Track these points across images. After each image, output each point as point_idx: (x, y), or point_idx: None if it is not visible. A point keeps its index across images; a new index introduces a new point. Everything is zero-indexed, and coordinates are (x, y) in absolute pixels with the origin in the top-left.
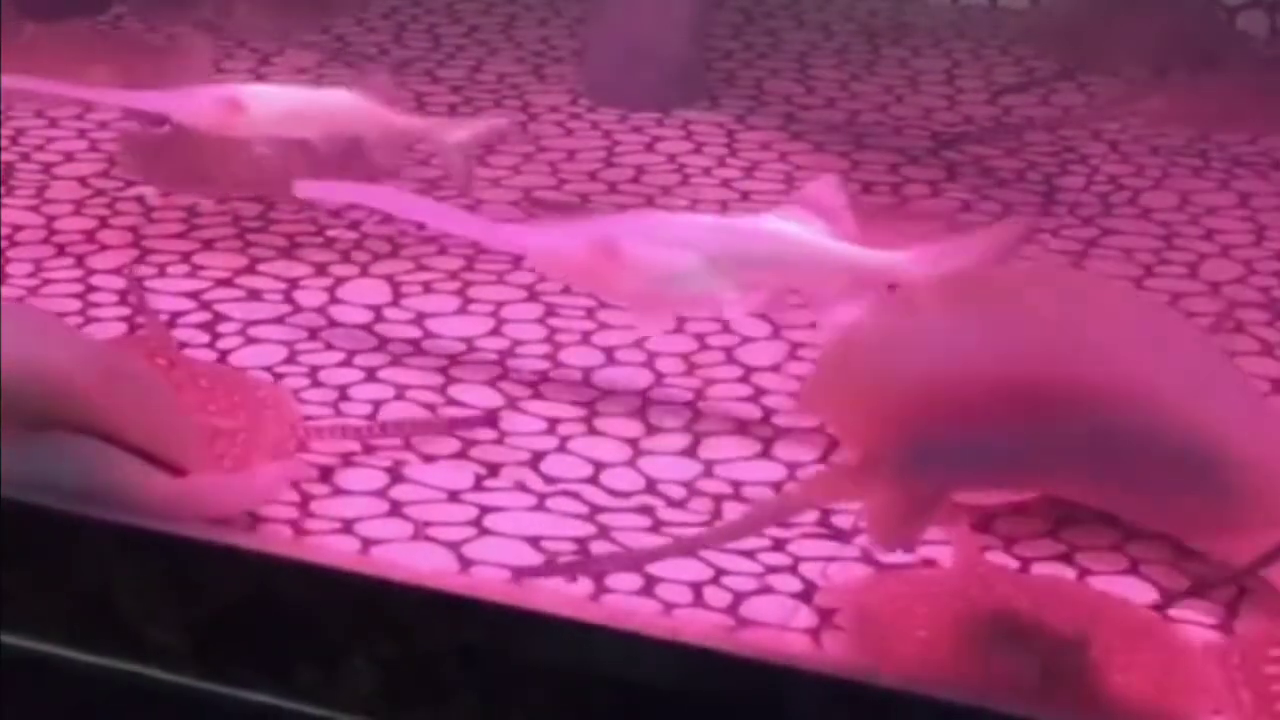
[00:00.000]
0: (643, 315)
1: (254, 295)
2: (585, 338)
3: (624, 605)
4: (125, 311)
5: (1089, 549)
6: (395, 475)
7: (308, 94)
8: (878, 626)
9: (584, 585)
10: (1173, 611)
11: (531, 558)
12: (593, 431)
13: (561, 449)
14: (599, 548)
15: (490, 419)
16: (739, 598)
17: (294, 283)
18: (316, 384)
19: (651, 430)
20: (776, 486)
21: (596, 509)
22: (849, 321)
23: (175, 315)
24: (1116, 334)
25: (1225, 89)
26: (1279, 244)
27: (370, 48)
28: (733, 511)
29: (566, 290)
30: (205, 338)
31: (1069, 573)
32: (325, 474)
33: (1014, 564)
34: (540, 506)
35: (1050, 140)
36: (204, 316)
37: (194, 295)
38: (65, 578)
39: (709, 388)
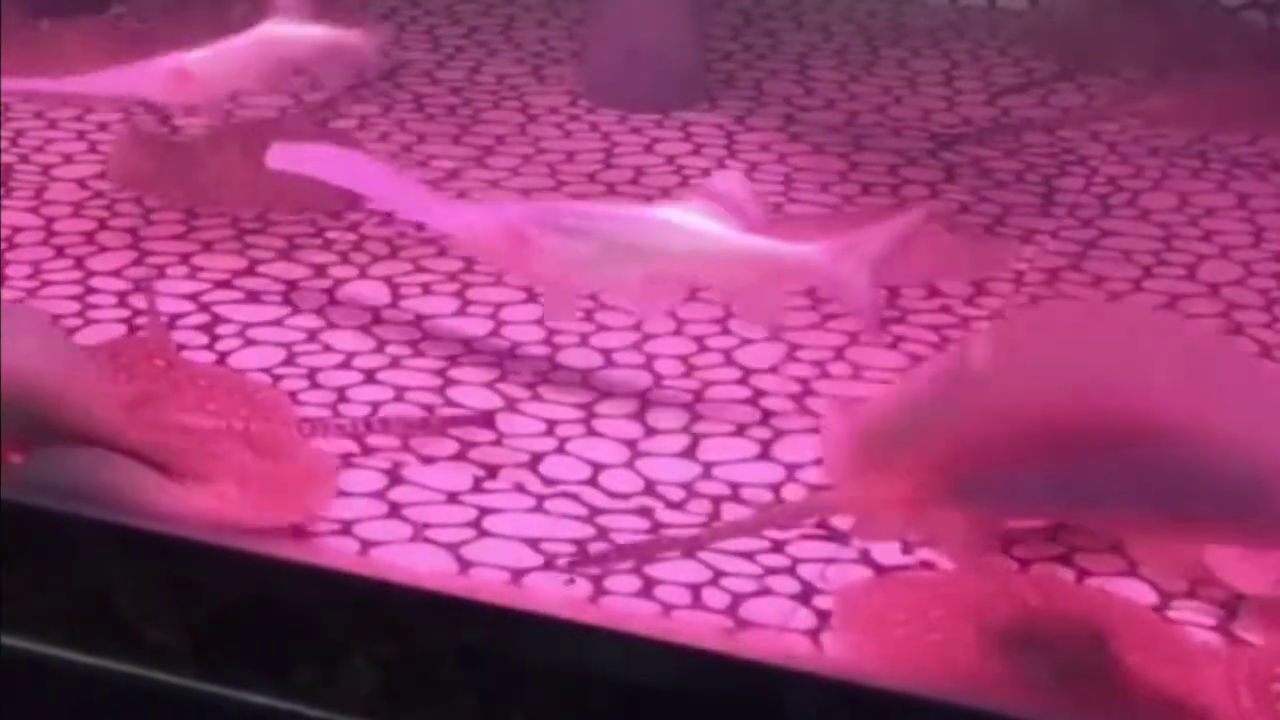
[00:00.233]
0: (550, 302)
1: (253, 297)
2: (584, 339)
3: (623, 606)
4: (125, 313)
5: (1088, 550)
6: (394, 477)
7: (242, 42)
8: (890, 630)
9: (583, 587)
10: (1171, 613)
11: (530, 559)
12: (591, 433)
13: (560, 450)
14: (598, 549)
15: (488, 419)
16: (738, 599)
17: (293, 284)
18: (315, 386)
19: (650, 432)
20: (775, 488)
21: (595, 510)
22: (764, 314)
23: (174, 317)
24: (1167, 366)
25: (1225, 89)
26: (1278, 245)
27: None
28: (732, 513)
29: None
30: (204, 339)
31: (1068, 574)
32: None
33: (1013, 566)
34: (539, 508)
35: (1049, 141)
36: (203, 318)
37: (193, 297)
38: (64, 578)
39: (707, 389)
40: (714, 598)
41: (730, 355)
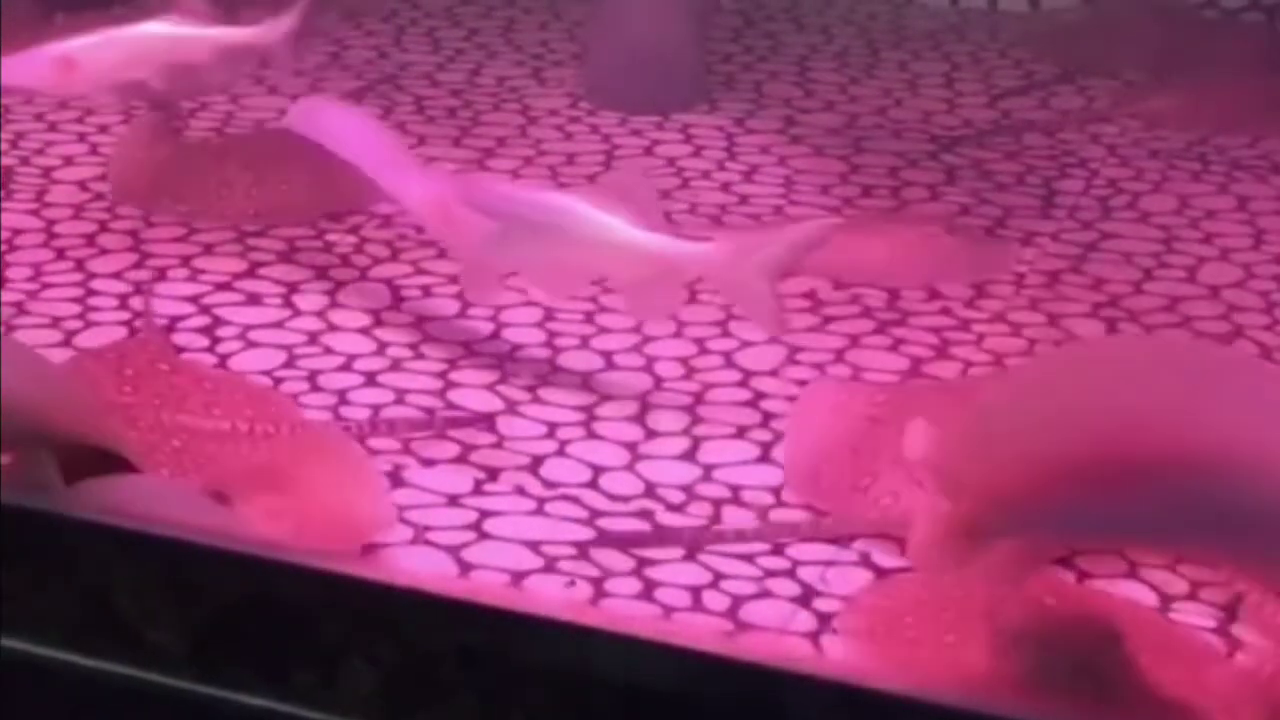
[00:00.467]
0: (466, 279)
1: (253, 300)
2: (584, 342)
3: (623, 609)
4: (125, 316)
5: (1088, 552)
6: (395, 479)
7: (130, 33)
8: (902, 633)
9: (583, 589)
10: (1172, 615)
11: (531, 561)
12: (592, 435)
13: (561, 453)
14: (598, 552)
15: (489, 421)
16: (738, 601)
17: (293, 287)
18: (316, 388)
19: (650, 434)
20: (775, 491)
21: (596, 513)
22: (654, 310)
23: (175, 319)
24: (1221, 397)
25: (1225, 92)
26: (1278, 248)
27: (370, 51)
28: (732, 516)
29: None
30: (205, 342)
31: (1069, 576)
32: None
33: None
34: (539, 511)
35: (1049, 144)
36: (204, 321)
37: (194, 300)
38: (64, 580)
39: (708, 392)
40: (714, 600)
41: (730, 358)
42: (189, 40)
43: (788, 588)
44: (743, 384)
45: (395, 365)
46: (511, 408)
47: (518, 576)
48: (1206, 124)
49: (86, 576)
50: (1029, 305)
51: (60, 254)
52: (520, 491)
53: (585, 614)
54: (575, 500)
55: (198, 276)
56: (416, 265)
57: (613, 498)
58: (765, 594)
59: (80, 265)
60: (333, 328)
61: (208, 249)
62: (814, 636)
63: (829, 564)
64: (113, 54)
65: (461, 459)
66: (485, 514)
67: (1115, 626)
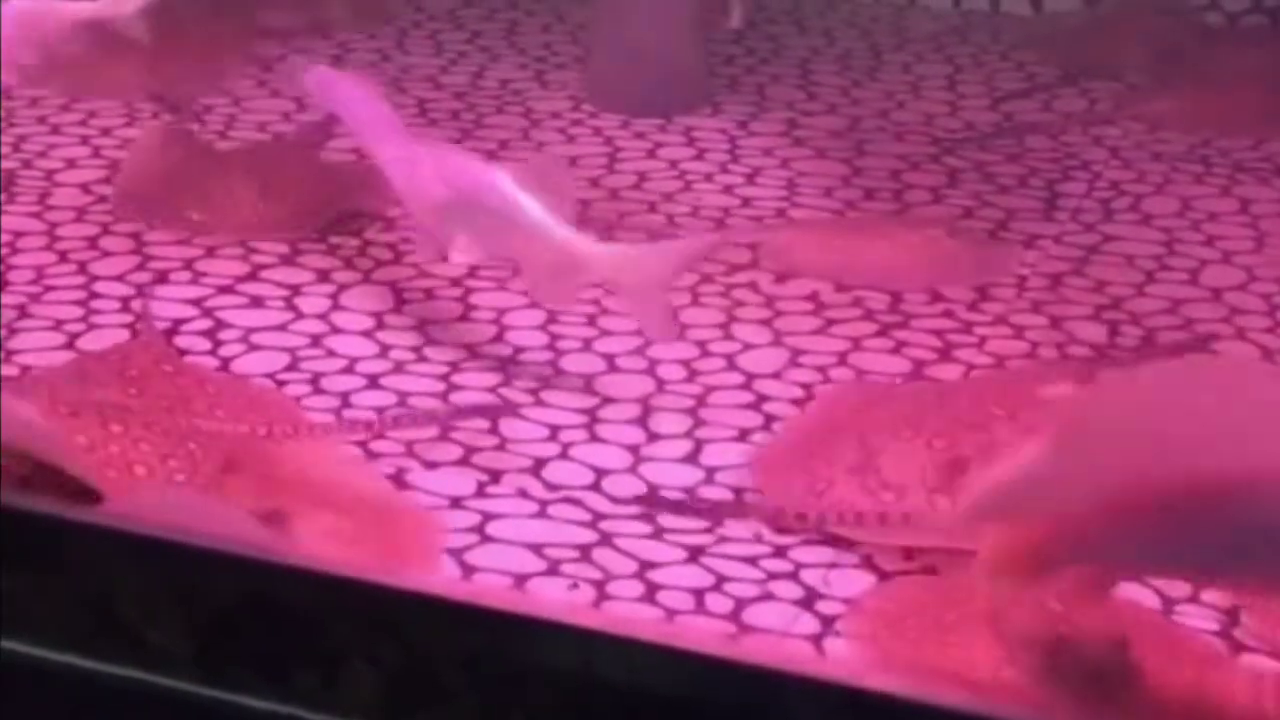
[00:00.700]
0: (418, 241)
1: (256, 302)
2: (587, 344)
3: (626, 611)
4: (128, 318)
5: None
6: (397, 482)
7: None
8: (905, 636)
9: (586, 592)
10: (1174, 618)
11: (534, 564)
12: (594, 438)
13: (563, 456)
14: (601, 554)
15: (492, 422)
16: (740, 604)
17: (296, 289)
18: (319, 391)
19: (653, 437)
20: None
21: (598, 515)
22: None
23: (177, 322)
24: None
25: (1227, 94)
26: None
27: (373, 54)
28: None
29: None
30: (207, 345)
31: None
32: None
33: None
34: (542, 513)
35: (1052, 146)
36: (206, 323)
37: (196, 302)
38: (65, 582)
39: (710, 394)
40: (717, 603)
41: (733, 360)
42: (41, 12)
43: (790, 590)
44: (745, 387)
45: (398, 367)
46: (514, 410)
47: (520, 579)
48: (1209, 126)
49: (88, 578)
50: (1031, 308)
51: (63, 257)
52: (523, 494)
53: (587, 616)
54: (578, 503)
55: (200, 279)
56: (419, 268)
57: (615, 500)
58: (768, 596)
59: (83, 268)
60: (336, 330)
61: (210, 251)
62: (817, 639)
63: (831, 566)
64: None
65: (464, 461)
66: (488, 516)
67: (1121, 630)
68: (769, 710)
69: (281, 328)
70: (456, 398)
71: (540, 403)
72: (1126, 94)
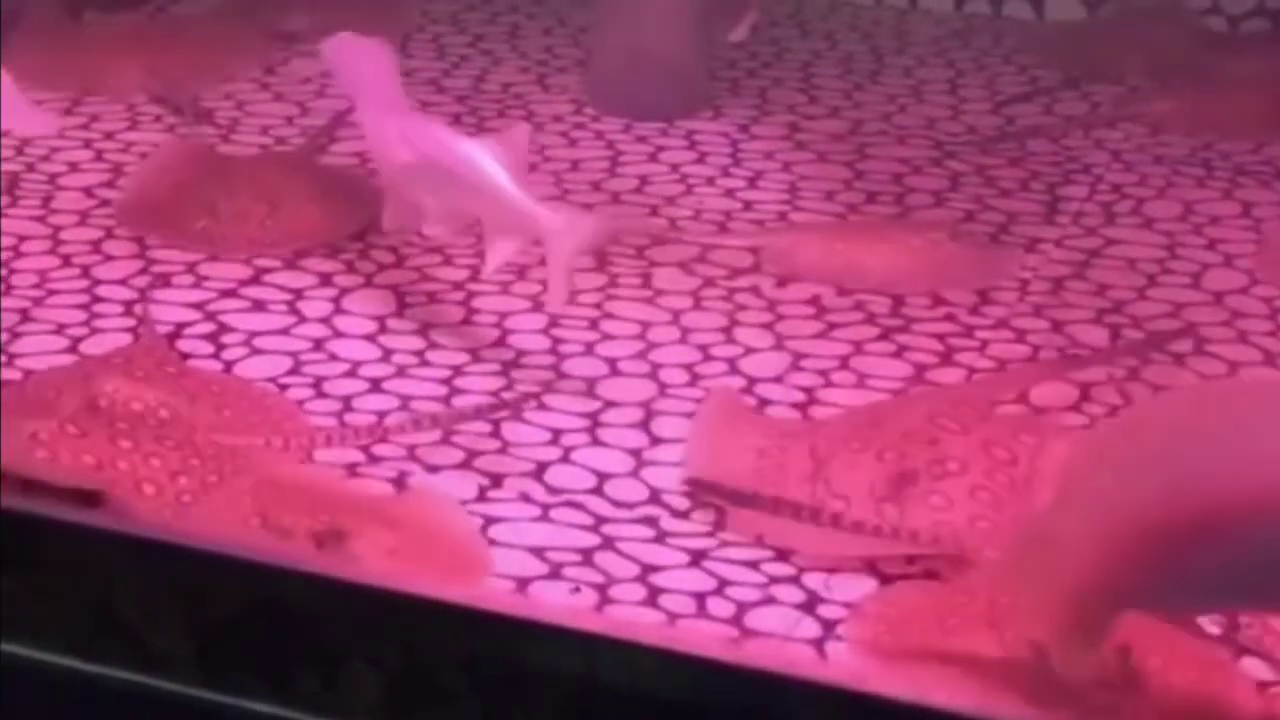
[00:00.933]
0: (387, 209)
1: (259, 306)
2: (589, 348)
3: (628, 615)
4: (130, 322)
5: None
6: (400, 485)
7: None
8: (906, 640)
9: (588, 595)
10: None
11: (535, 568)
12: (596, 442)
13: (565, 459)
14: (603, 559)
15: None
16: (742, 608)
17: (298, 293)
18: (321, 395)
19: (655, 441)
20: None
21: (600, 519)
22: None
23: (180, 326)
24: None
25: (1229, 97)
26: None
27: None
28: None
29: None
30: (210, 348)
31: None
32: None
33: None
34: (544, 517)
35: (1053, 149)
36: (209, 327)
37: (199, 306)
38: (68, 586)
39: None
40: (719, 607)
41: (735, 364)
42: None
43: (792, 594)
44: (747, 390)
45: (401, 371)
46: (516, 414)
47: (522, 582)
48: (1211, 129)
49: (90, 582)
50: (1033, 311)
51: (66, 261)
52: (525, 498)
53: (590, 620)
54: (580, 507)
55: (203, 283)
56: (422, 271)
57: (617, 504)
58: (770, 601)
59: (86, 272)
60: (338, 334)
61: (212, 255)
62: (818, 643)
63: (833, 571)
64: None
65: (466, 465)
66: (490, 520)
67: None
68: (770, 714)
69: (284, 331)
70: (459, 402)
71: (543, 406)
72: (1128, 97)
